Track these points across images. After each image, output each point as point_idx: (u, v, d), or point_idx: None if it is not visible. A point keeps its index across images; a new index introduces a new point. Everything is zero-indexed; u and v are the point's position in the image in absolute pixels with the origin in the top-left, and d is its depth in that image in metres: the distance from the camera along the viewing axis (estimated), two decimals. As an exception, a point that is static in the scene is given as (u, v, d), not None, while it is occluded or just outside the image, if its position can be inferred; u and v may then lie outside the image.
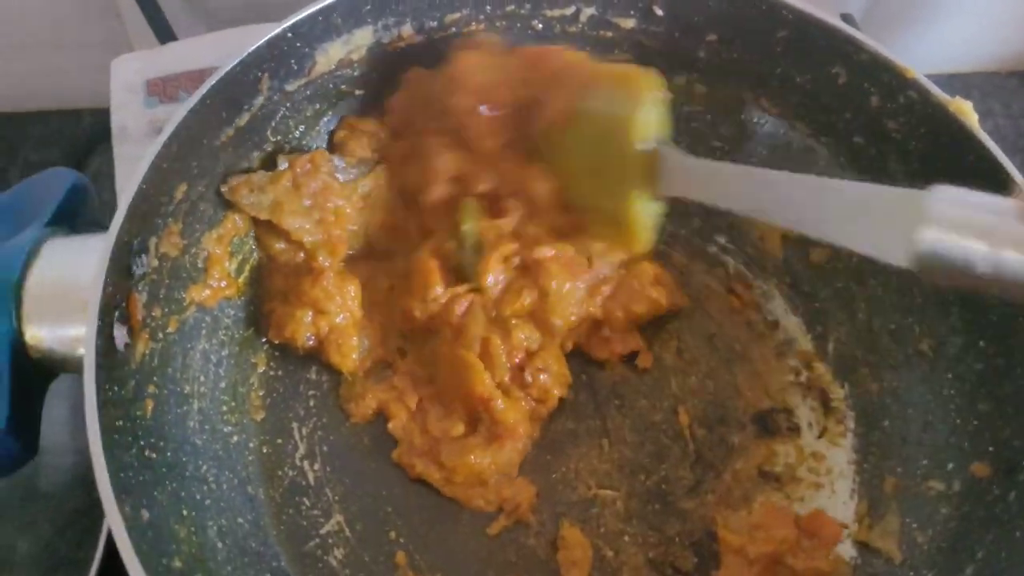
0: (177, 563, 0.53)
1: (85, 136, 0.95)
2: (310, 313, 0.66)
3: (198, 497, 0.59)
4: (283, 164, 0.67)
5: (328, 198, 0.67)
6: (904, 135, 0.67)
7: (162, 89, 0.77)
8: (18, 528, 0.73)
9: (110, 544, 0.69)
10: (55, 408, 0.73)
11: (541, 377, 0.66)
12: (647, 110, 0.58)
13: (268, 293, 0.69)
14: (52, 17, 0.92)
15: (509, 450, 0.65)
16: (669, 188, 0.59)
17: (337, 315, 0.66)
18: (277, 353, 0.69)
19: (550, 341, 0.67)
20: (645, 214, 0.61)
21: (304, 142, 0.71)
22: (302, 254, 0.68)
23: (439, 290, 0.66)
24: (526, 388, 0.66)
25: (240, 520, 0.61)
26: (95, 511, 0.71)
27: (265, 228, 0.67)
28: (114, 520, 0.48)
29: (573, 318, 0.67)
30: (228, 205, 0.66)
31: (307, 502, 0.64)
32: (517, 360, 0.66)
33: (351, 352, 0.67)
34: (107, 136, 0.87)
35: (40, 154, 0.94)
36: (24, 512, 0.74)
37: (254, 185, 0.66)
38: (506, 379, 0.65)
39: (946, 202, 0.43)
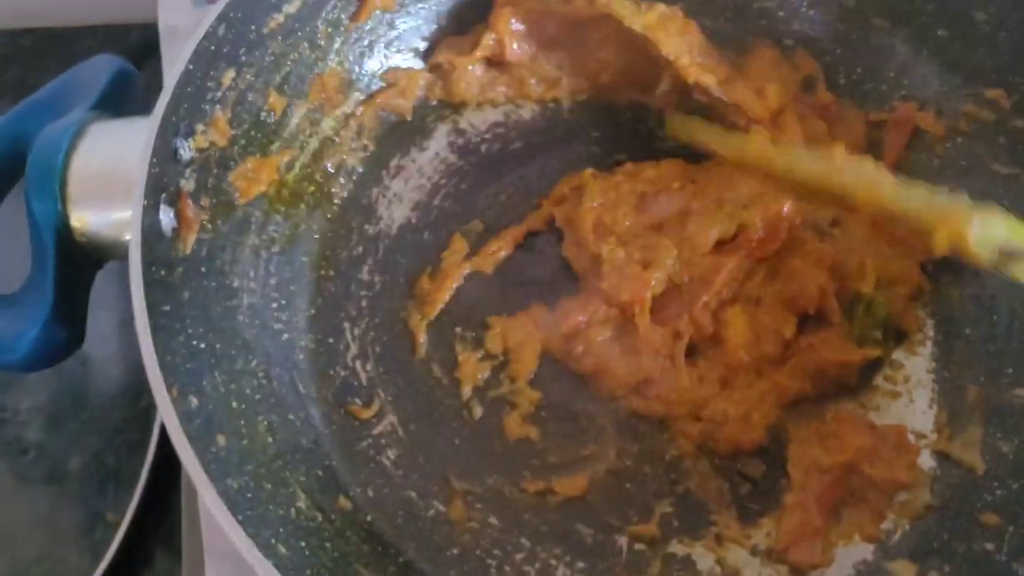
0: (225, 453, 0.51)
1: (134, 48, 0.93)
2: None
3: (248, 391, 0.57)
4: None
5: None
6: (992, 26, 0.63)
7: (210, -12, 0.74)
8: (67, 440, 0.72)
9: (158, 455, 0.69)
10: (103, 318, 0.73)
11: None
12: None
13: None
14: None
15: None
16: None
17: None
18: (328, 252, 0.67)
19: None
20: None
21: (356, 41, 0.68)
22: None
23: None
24: None
25: (291, 417, 0.59)
26: (142, 421, 0.71)
27: None
28: (161, 399, 0.47)
29: None
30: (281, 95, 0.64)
31: (359, 402, 0.63)
32: None
33: None
34: (155, 49, 0.86)
35: (89, 67, 0.92)
36: (73, 424, 0.73)
37: None
38: None
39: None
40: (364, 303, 0.66)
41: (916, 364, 0.64)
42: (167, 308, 0.52)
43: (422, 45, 0.72)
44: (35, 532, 0.69)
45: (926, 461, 0.61)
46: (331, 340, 0.64)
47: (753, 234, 0.63)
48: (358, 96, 0.70)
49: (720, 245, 0.64)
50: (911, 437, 0.61)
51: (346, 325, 0.65)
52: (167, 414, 0.46)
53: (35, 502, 0.70)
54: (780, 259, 0.64)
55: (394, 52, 0.71)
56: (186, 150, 0.56)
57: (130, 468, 0.70)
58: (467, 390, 0.63)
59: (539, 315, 0.65)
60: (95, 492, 0.70)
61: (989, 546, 0.56)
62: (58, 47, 0.96)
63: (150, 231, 0.51)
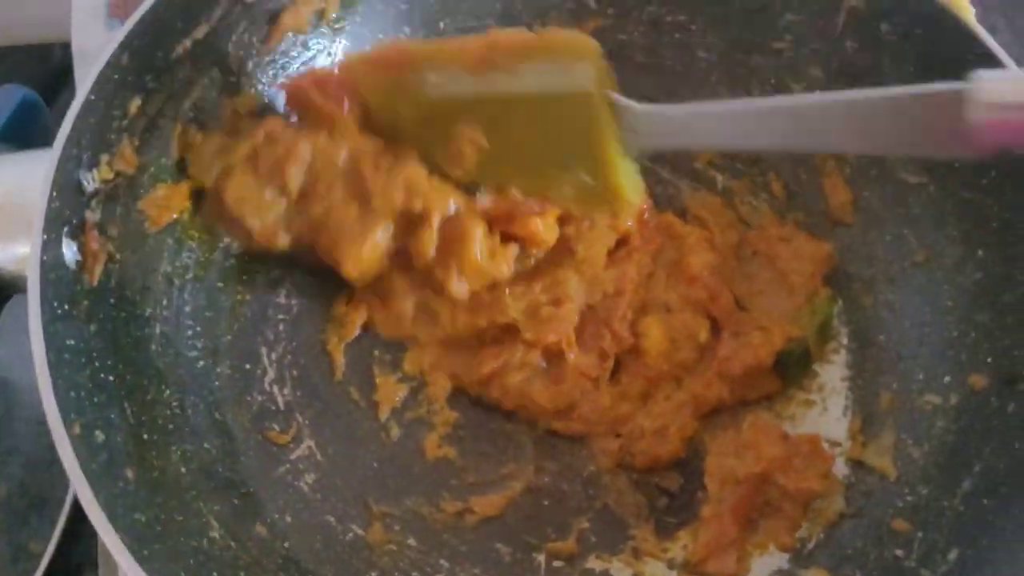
0: (133, 487, 0.51)
1: (54, 69, 0.92)
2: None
3: (160, 422, 0.57)
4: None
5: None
6: (899, 36, 0.64)
7: (124, 9, 0.74)
8: (-11, 472, 0.72)
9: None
10: (25, 344, 0.72)
11: None
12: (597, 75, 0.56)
13: None
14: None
15: None
16: (643, 142, 0.57)
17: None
18: (245, 277, 0.66)
19: None
20: (626, 174, 0.59)
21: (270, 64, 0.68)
22: None
23: None
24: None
25: (206, 445, 0.59)
26: (68, 450, 0.70)
27: None
28: (58, 437, 0.47)
29: None
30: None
31: (277, 427, 0.62)
32: None
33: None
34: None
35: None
36: (-4, 454, 0.72)
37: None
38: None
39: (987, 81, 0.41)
40: (281, 327, 0.66)
41: (830, 372, 0.66)
42: (71, 343, 0.52)
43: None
44: (-43, 566, 0.68)
45: (840, 469, 0.62)
46: (248, 365, 0.64)
47: (634, 236, 0.65)
48: (274, 117, 0.69)
49: (610, 257, 0.65)
50: (826, 445, 0.62)
51: (263, 350, 0.65)
52: (65, 453, 0.46)
53: (-43, 535, 0.69)
54: (675, 259, 0.66)
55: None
56: (90, 181, 0.55)
57: (54, 496, 0.69)
58: (385, 412, 0.64)
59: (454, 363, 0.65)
60: (18, 522, 0.69)
61: (899, 552, 0.57)
62: (-21, 68, 0.95)
63: (51, 266, 0.51)
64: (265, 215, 0.61)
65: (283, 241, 0.62)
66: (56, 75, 0.92)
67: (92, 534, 0.67)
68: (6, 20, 0.92)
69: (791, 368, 0.64)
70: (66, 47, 0.90)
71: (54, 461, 0.69)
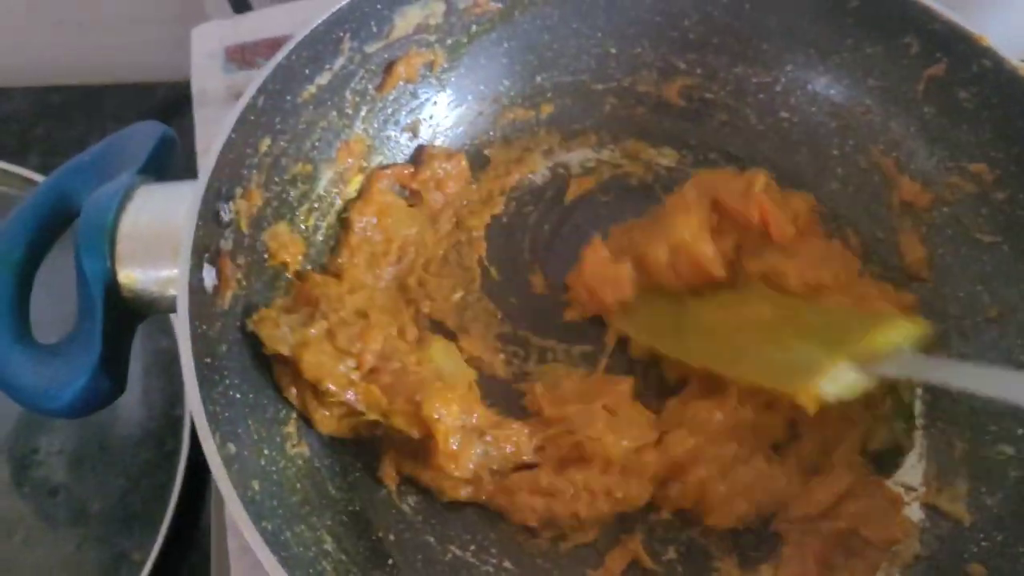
0: (259, 497, 0.55)
1: (160, 107, 0.98)
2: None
3: (277, 439, 0.60)
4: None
5: None
6: (976, 105, 0.67)
7: (241, 56, 0.79)
8: (94, 482, 0.75)
9: (181, 499, 0.72)
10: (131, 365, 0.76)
11: None
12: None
13: None
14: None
15: None
16: (889, 371, 0.58)
17: None
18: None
19: None
20: (844, 378, 0.57)
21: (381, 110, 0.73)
22: None
23: None
24: None
25: (317, 464, 0.63)
26: (167, 465, 0.74)
27: None
28: (208, 446, 0.50)
29: None
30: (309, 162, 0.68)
31: (381, 449, 0.66)
32: None
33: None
34: (180, 108, 0.90)
35: (117, 124, 0.95)
36: (99, 467, 0.76)
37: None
38: None
39: None
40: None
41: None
42: (208, 360, 0.55)
43: (443, 113, 0.77)
44: (63, 572, 0.71)
45: (915, 513, 0.64)
46: (356, 389, 0.67)
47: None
48: (380, 160, 0.74)
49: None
50: (901, 490, 0.65)
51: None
52: (213, 461, 0.49)
53: (61, 543, 0.73)
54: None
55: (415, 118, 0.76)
56: (226, 212, 0.59)
57: (154, 509, 0.73)
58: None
59: None
60: (121, 532, 0.73)
61: (975, 595, 0.59)
62: (86, 104, 1.01)
63: (194, 288, 0.55)
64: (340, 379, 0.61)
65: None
66: (163, 111, 0.97)
67: (193, 544, 0.72)
68: (124, 60, 0.98)
69: (886, 461, 0.66)
70: (172, 86, 0.96)
71: (152, 474, 0.75)
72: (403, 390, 0.60)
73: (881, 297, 0.67)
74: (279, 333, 0.60)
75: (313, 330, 0.60)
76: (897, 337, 0.57)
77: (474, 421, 0.62)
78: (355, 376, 0.61)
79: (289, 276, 0.66)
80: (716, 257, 0.68)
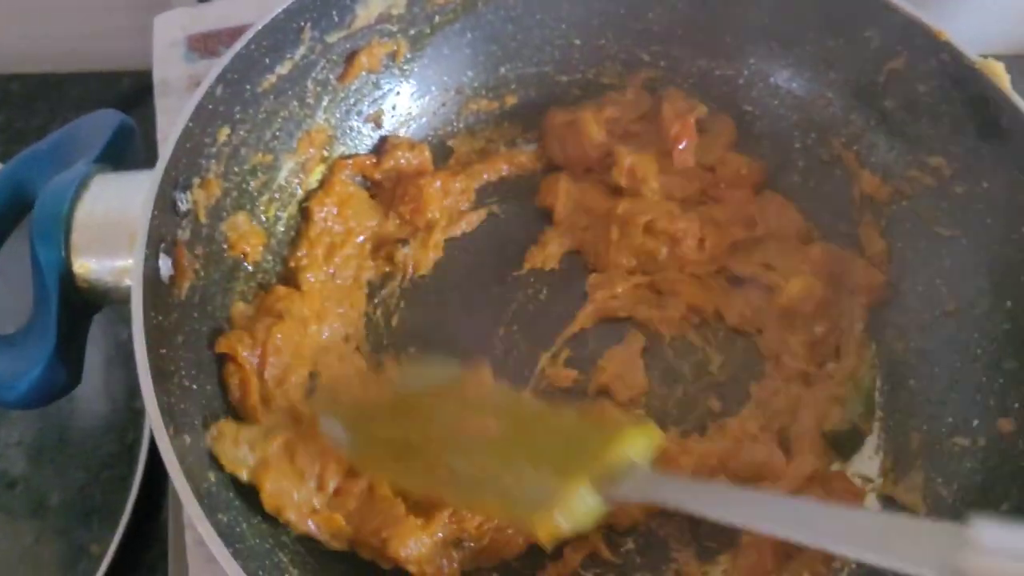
0: (215, 488, 0.54)
1: (123, 95, 0.97)
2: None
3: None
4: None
5: None
6: (935, 99, 0.67)
7: (203, 44, 0.78)
8: (53, 475, 0.75)
9: (142, 490, 0.71)
10: (88, 356, 0.75)
11: None
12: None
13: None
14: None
15: None
16: (628, 494, 0.52)
17: None
18: (312, 299, 0.70)
19: None
20: (580, 506, 0.50)
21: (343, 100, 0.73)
22: None
23: None
24: None
25: (276, 455, 0.62)
26: (127, 457, 0.74)
27: None
28: (161, 439, 0.50)
29: None
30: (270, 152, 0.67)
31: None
32: None
33: None
34: (144, 96, 0.89)
35: (79, 113, 0.94)
36: (58, 459, 0.75)
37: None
38: None
39: (989, 534, 0.40)
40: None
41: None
42: (163, 351, 0.55)
43: (407, 104, 0.77)
44: (21, 565, 0.71)
45: (872, 503, 0.65)
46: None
47: None
48: (343, 150, 0.74)
49: None
50: (858, 481, 0.65)
51: (328, 369, 0.68)
52: (167, 454, 0.49)
53: (20, 535, 0.72)
54: None
55: (378, 109, 0.75)
56: (183, 202, 0.59)
57: (114, 502, 0.72)
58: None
59: None
60: (80, 525, 0.72)
61: (928, 583, 0.59)
62: (48, 93, 0.99)
63: (150, 278, 0.54)
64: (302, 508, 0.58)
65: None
66: (126, 100, 0.96)
67: (153, 538, 0.71)
68: (88, 48, 0.97)
69: (845, 445, 0.67)
70: (137, 75, 0.95)
71: (113, 466, 0.74)
72: (370, 519, 0.59)
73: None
74: (239, 453, 0.57)
75: (273, 445, 0.58)
76: (633, 450, 0.52)
77: (440, 537, 0.60)
78: (317, 502, 0.58)
79: (249, 266, 0.66)
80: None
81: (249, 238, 0.65)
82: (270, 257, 0.68)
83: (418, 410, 0.60)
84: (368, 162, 0.73)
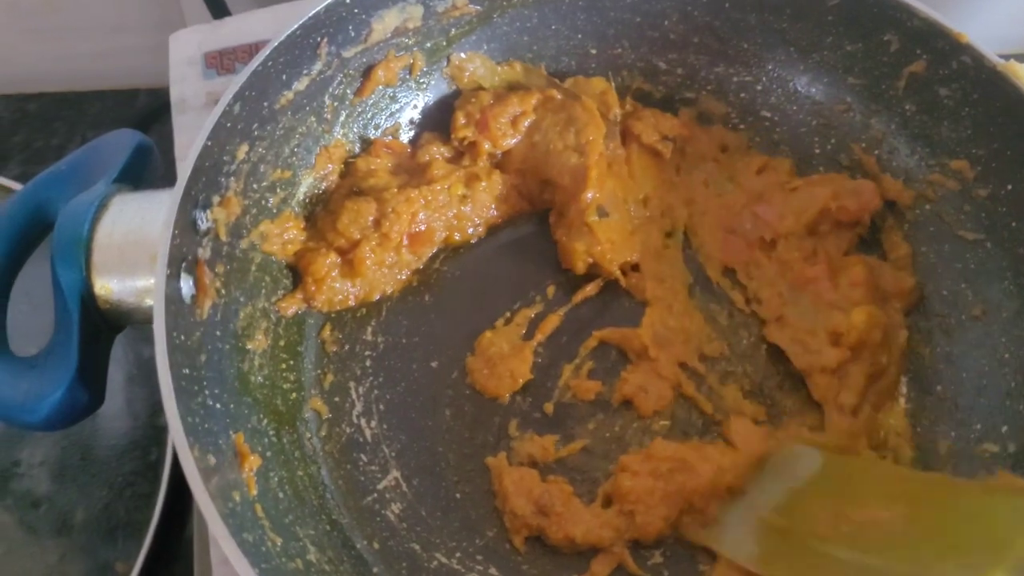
0: (240, 508, 0.54)
1: (141, 113, 0.97)
2: None
3: (259, 449, 0.60)
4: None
5: None
6: (956, 101, 0.67)
7: (219, 62, 0.78)
8: (77, 492, 0.75)
9: (166, 507, 0.71)
10: (111, 375, 0.75)
11: None
12: None
13: None
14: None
15: None
16: None
17: None
18: (333, 314, 0.70)
19: None
20: None
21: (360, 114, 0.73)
22: None
23: None
24: None
25: (300, 473, 0.62)
26: (151, 474, 0.74)
27: None
28: (185, 459, 0.49)
29: None
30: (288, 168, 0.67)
31: (364, 458, 0.65)
32: None
33: None
34: (161, 114, 0.90)
35: (97, 131, 0.95)
36: (82, 477, 0.75)
37: None
38: None
39: None
40: (368, 363, 0.69)
41: (890, 420, 0.67)
42: (187, 371, 0.55)
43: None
44: (47, 583, 0.71)
45: (900, 511, 0.64)
46: (337, 399, 0.67)
47: None
48: (362, 164, 0.73)
49: None
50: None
51: (351, 384, 0.68)
52: (191, 474, 0.49)
53: (46, 554, 0.72)
54: None
55: (395, 122, 0.75)
56: (203, 221, 0.59)
57: (139, 519, 0.72)
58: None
59: None
60: (104, 543, 0.72)
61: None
62: (66, 112, 1.00)
63: (171, 298, 0.54)
64: None
65: None
66: (144, 118, 0.97)
67: (178, 554, 0.71)
68: (104, 67, 0.98)
69: None
70: (153, 92, 0.96)
71: (136, 483, 0.74)
72: None
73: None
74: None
75: None
76: None
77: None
78: None
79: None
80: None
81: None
82: (290, 272, 0.68)
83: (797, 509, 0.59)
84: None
